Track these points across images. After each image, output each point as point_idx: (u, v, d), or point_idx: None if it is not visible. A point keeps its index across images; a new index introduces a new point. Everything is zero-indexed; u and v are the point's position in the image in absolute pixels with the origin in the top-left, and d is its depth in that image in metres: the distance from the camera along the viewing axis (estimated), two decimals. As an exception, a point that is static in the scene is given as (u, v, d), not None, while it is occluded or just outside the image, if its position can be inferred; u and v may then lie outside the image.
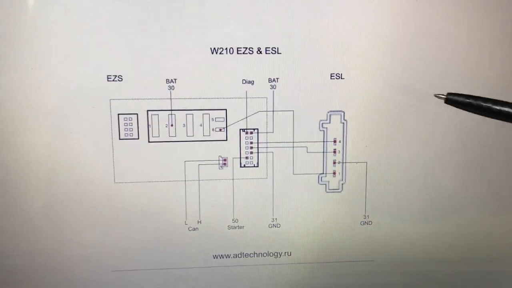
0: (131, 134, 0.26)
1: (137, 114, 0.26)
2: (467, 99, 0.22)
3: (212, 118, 0.26)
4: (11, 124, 0.25)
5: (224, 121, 0.26)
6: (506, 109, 0.21)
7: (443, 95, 0.22)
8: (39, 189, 0.26)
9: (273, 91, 0.26)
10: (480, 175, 0.28)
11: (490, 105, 0.21)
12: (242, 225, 0.28)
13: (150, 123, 0.26)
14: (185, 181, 0.27)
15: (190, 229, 0.27)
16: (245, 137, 0.27)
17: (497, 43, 0.26)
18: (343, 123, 0.27)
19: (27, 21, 0.24)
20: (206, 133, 0.26)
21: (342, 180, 0.28)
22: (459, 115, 0.27)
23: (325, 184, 0.27)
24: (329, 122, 0.27)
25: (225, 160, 0.27)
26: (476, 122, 0.27)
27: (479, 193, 0.28)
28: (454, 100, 0.22)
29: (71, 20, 0.24)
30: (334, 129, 0.27)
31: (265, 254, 0.28)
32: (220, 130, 0.26)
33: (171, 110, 0.26)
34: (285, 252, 0.29)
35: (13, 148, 0.25)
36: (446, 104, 0.26)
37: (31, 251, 0.27)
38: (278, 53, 0.26)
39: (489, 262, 0.30)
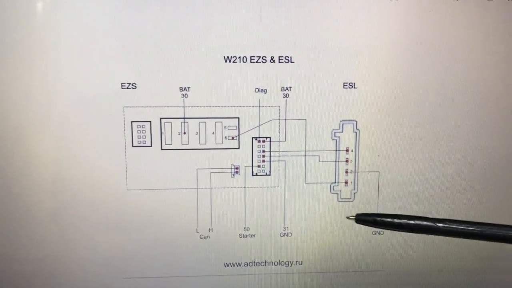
0: (144, 142, 0.26)
1: (150, 121, 0.26)
2: (373, 217, 0.22)
3: (225, 126, 0.26)
4: (25, 130, 0.25)
5: (236, 129, 0.26)
6: (414, 222, 0.21)
7: (352, 216, 0.23)
8: (52, 195, 0.26)
9: (286, 100, 0.26)
10: (494, 184, 0.28)
11: (393, 220, 0.22)
12: (253, 234, 0.28)
13: (163, 130, 0.26)
14: (197, 188, 0.27)
15: (201, 237, 0.27)
16: (258, 145, 0.27)
17: None
18: (356, 132, 0.27)
19: (41, 28, 0.24)
20: (219, 141, 0.26)
21: (354, 189, 0.27)
22: (470, 126, 0.27)
23: (337, 194, 0.27)
24: (342, 131, 0.27)
25: (237, 168, 0.27)
26: (487, 134, 0.27)
27: (493, 203, 0.28)
28: (362, 219, 0.22)
29: (85, 28, 0.25)
30: (347, 138, 0.27)
31: (276, 263, 0.28)
32: (233, 138, 0.26)
33: (184, 118, 0.26)
34: (296, 261, 0.28)
35: (27, 154, 0.26)
36: (459, 114, 0.26)
37: (43, 257, 0.27)
38: (291, 62, 0.26)
39: (501, 273, 0.29)
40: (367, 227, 0.28)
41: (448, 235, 0.21)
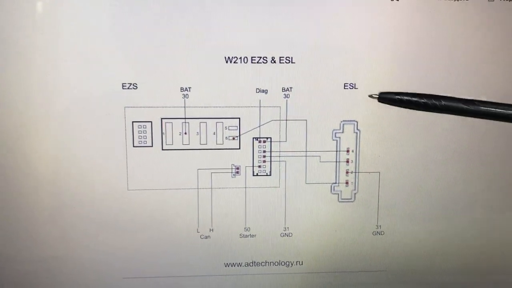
0: (145, 142, 0.26)
1: (151, 122, 0.26)
2: (397, 95, 0.21)
3: (226, 127, 0.26)
4: (26, 130, 0.25)
5: (237, 129, 0.26)
6: (432, 101, 0.21)
7: (375, 95, 0.22)
8: (52, 195, 0.26)
9: (287, 100, 0.26)
10: (497, 184, 0.28)
11: (417, 99, 0.21)
12: (254, 234, 0.28)
13: (164, 131, 0.26)
14: (197, 189, 0.27)
15: (202, 237, 0.27)
16: (258, 145, 0.27)
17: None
18: (356, 132, 0.27)
19: (42, 28, 0.24)
20: (219, 141, 0.26)
21: (355, 190, 0.27)
22: (473, 124, 0.27)
23: (338, 194, 0.27)
24: (342, 132, 0.27)
25: (237, 168, 0.27)
26: (491, 130, 0.27)
27: (497, 204, 0.28)
28: (385, 98, 0.22)
29: (86, 28, 0.25)
30: (347, 138, 0.27)
31: (276, 263, 0.28)
32: (233, 138, 0.26)
33: (185, 118, 0.26)
34: (296, 261, 0.28)
35: (28, 154, 0.26)
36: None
37: (44, 257, 0.27)
38: (292, 62, 0.26)
39: (505, 273, 0.29)
40: (367, 227, 0.28)
41: (476, 116, 0.20)
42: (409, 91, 0.21)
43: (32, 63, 0.25)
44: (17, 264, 0.27)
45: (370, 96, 0.22)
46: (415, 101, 0.21)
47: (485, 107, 0.20)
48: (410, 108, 0.21)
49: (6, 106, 0.25)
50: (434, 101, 0.20)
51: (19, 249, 0.27)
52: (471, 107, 0.20)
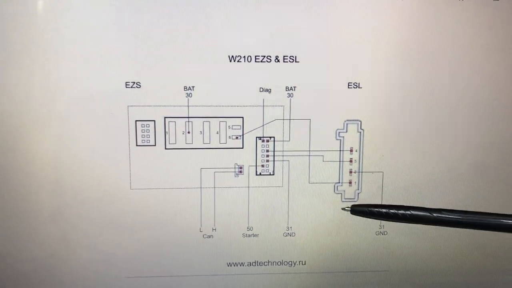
0: (148, 141, 0.26)
1: (154, 120, 0.26)
2: (368, 207, 0.22)
3: (229, 126, 0.26)
4: (29, 129, 0.25)
5: (240, 129, 0.26)
6: (410, 212, 0.21)
7: (348, 207, 0.23)
8: (55, 194, 0.26)
9: (290, 100, 0.26)
10: (499, 184, 0.28)
11: (386, 210, 0.21)
12: (257, 233, 0.28)
13: (167, 130, 0.26)
14: (200, 188, 0.27)
15: (204, 236, 0.27)
16: (261, 145, 0.27)
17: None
18: (360, 132, 0.27)
19: (45, 27, 0.24)
20: (223, 140, 0.26)
21: (358, 189, 0.27)
22: (477, 125, 0.27)
23: (341, 194, 0.27)
24: (346, 131, 0.27)
25: (241, 168, 0.27)
26: (493, 134, 0.27)
27: (497, 202, 0.28)
28: (357, 210, 0.22)
29: (90, 27, 0.24)
30: (351, 138, 0.27)
31: (279, 263, 0.28)
32: (237, 137, 0.26)
33: (188, 117, 0.26)
34: (299, 261, 0.28)
35: (30, 153, 0.25)
36: (465, 114, 0.26)
37: (46, 256, 0.27)
38: (295, 61, 0.26)
39: (506, 273, 0.29)
40: (370, 227, 0.28)
41: (444, 225, 0.21)
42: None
43: (35, 62, 0.25)
44: (19, 264, 0.27)
45: (343, 209, 0.23)
46: (385, 212, 0.21)
47: (453, 215, 0.21)
48: (382, 220, 0.22)
49: (8, 105, 0.25)
50: (403, 212, 0.21)
51: (21, 249, 0.27)
52: (439, 216, 0.20)
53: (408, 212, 0.21)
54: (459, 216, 0.20)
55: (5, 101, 0.25)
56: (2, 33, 0.24)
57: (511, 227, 0.20)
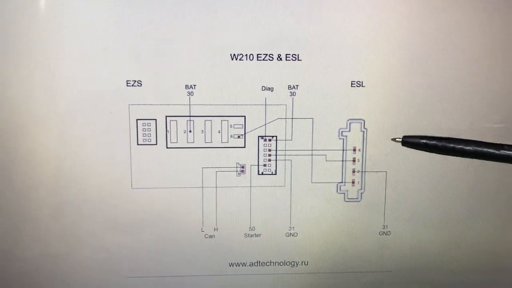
0: (149, 140, 0.26)
1: (155, 119, 0.26)
2: (422, 139, 0.21)
3: (231, 125, 0.26)
4: (29, 128, 0.25)
5: (242, 128, 0.26)
6: (460, 146, 0.20)
7: (399, 138, 0.22)
8: (56, 193, 0.26)
9: (293, 98, 0.26)
10: (502, 185, 0.27)
11: (445, 143, 0.21)
12: (259, 233, 0.27)
13: (168, 128, 0.26)
14: (202, 187, 0.27)
15: (206, 236, 0.27)
16: (264, 144, 0.26)
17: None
18: (363, 131, 0.26)
19: (46, 26, 0.24)
20: (224, 139, 0.26)
21: (361, 189, 0.27)
22: (480, 124, 0.26)
23: (344, 193, 0.27)
24: (349, 131, 0.26)
25: (243, 167, 0.27)
26: (497, 132, 0.27)
27: (502, 203, 0.28)
28: (409, 142, 0.21)
29: (91, 26, 0.24)
30: (354, 137, 0.26)
31: (281, 263, 0.28)
32: (239, 137, 0.26)
33: (190, 116, 0.26)
34: (302, 261, 0.28)
35: (31, 151, 0.25)
36: (469, 112, 0.26)
37: (47, 255, 0.27)
38: (298, 60, 0.25)
39: (510, 273, 0.29)
40: (373, 227, 0.28)
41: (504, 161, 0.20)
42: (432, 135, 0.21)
43: (36, 61, 0.24)
44: (20, 263, 0.27)
45: (393, 139, 0.22)
46: (442, 145, 0.20)
47: None
48: (433, 152, 0.21)
49: (10, 104, 0.25)
50: (462, 146, 0.20)
51: (22, 248, 0.27)
52: (500, 153, 0.19)
53: (471, 147, 0.20)
54: None
55: (6, 100, 0.25)
56: (3, 32, 0.24)
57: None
